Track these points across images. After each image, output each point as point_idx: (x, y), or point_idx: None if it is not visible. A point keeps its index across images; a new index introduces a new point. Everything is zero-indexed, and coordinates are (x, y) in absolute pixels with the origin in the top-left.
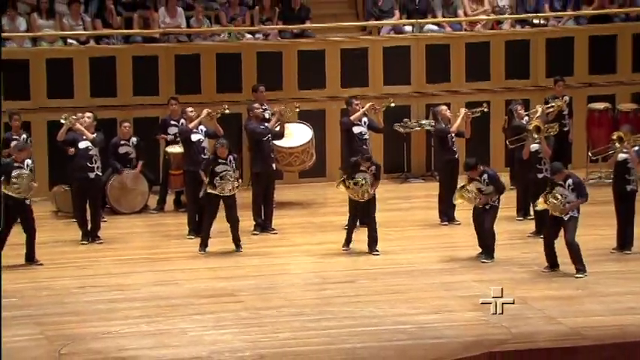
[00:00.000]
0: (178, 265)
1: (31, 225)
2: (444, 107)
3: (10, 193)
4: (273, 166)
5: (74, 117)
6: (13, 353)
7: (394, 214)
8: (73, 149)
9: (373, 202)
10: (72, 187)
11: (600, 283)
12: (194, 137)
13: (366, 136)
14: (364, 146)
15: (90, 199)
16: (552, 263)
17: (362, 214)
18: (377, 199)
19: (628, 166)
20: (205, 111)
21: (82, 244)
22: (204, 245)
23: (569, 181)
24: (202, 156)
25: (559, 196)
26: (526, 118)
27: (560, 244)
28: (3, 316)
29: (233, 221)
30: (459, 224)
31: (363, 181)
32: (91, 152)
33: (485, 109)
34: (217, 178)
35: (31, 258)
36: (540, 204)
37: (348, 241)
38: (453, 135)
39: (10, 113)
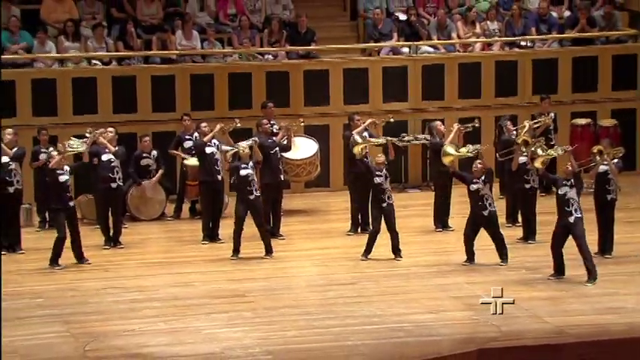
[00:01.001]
0: (193, 268)
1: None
2: (439, 123)
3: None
4: (281, 177)
5: (98, 132)
6: (41, 350)
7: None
8: (96, 160)
9: (393, 212)
10: (95, 196)
11: (583, 284)
12: (208, 150)
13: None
14: (365, 158)
15: (112, 208)
16: (559, 270)
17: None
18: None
19: (608, 177)
20: (218, 126)
21: (105, 248)
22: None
23: (570, 180)
24: (216, 167)
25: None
26: (514, 132)
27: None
28: (31, 315)
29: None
30: (453, 231)
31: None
32: (113, 164)
33: (477, 125)
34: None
35: (80, 256)
36: (537, 162)
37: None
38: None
39: (38, 128)
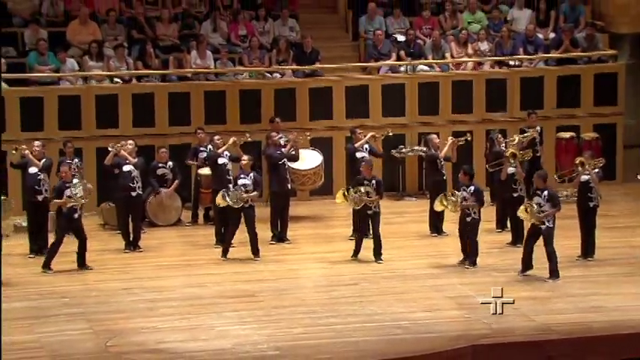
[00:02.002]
0: (207, 270)
1: (83, 235)
2: (434, 136)
3: (72, 204)
4: (288, 186)
5: (119, 145)
6: (66, 346)
7: (391, 227)
8: (117, 171)
9: (378, 217)
10: (117, 203)
11: (568, 285)
12: (220, 161)
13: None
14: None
15: (132, 214)
16: (526, 266)
17: (368, 227)
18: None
19: (590, 186)
20: (232, 139)
21: (125, 252)
22: (225, 252)
23: (545, 192)
24: (227, 177)
25: (535, 206)
26: (504, 145)
27: (538, 253)
28: (57, 313)
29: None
30: (447, 235)
31: (362, 190)
32: (133, 174)
33: (469, 139)
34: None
35: (82, 263)
36: (521, 212)
37: (357, 251)
38: (441, 159)
39: (64, 141)
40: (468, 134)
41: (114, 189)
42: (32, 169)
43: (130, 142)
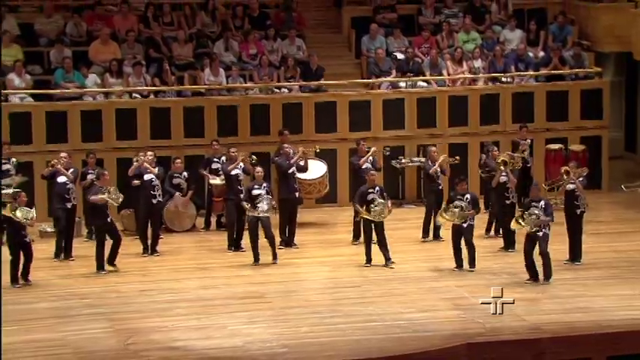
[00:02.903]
0: (219, 273)
1: (118, 236)
2: (434, 149)
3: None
4: (296, 194)
5: (142, 156)
6: (88, 343)
7: (391, 232)
8: (139, 182)
9: (382, 227)
10: (138, 210)
11: (556, 287)
12: (233, 172)
13: (372, 168)
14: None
15: (152, 220)
16: (533, 275)
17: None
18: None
19: (576, 194)
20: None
21: (144, 256)
22: (257, 258)
23: (542, 202)
24: (239, 187)
25: (531, 215)
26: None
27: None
28: (80, 313)
29: (270, 239)
30: (443, 241)
31: (377, 205)
32: (154, 183)
33: (457, 161)
34: (255, 201)
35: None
36: (513, 224)
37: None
38: (437, 170)
39: (87, 152)
40: (457, 158)
41: (135, 197)
42: (61, 179)
43: (150, 153)
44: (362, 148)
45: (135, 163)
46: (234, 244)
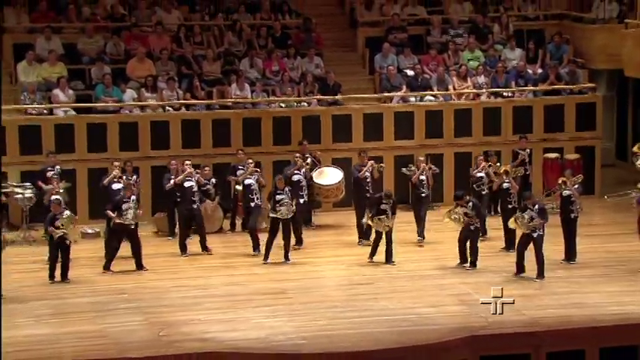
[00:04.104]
0: (244, 271)
1: (138, 243)
2: (422, 159)
3: (121, 222)
4: (300, 200)
5: (197, 171)
6: (125, 335)
7: (400, 234)
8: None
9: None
10: (180, 215)
11: (553, 285)
12: (246, 182)
13: (369, 180)
14: (367, 187)
15: (195, 223)
16: (520, 269)
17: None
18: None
19: (572, 200)
20: (370, 163)
21: (182, 256)
22: (267, 256)
23: (537, 206)
24: (250, 196)
25: (525, 217)
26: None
27: (528, 256)
28: (117, 307)
29: (287, 239)
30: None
31: (385, 217)
32: (194, 190)
33: (382, 168)
34: (277, 205)
35: (140, 266)
36: (511, 223)
37: (374, 253)
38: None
39: (124, 161)
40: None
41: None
42: (116, 186)
43: (187, 162)
44: (363, 158)
45: (185, 173)
46: (257, 246)
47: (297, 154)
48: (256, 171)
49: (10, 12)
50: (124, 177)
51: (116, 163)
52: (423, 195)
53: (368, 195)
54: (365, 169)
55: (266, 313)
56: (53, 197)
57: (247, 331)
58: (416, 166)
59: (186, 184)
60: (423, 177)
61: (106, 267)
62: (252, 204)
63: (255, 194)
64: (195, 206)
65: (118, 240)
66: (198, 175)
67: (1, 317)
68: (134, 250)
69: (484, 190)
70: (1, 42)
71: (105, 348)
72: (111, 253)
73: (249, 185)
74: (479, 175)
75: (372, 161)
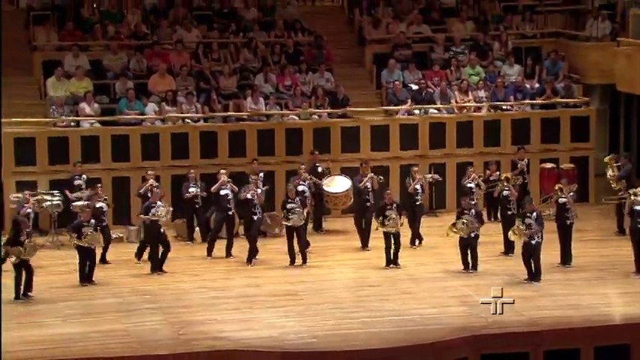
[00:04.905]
0: (259, 274)
1: (168, 246)
2: (415, 168)
3: (155, 219)
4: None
5: (223, 171)
6: (147, 333)
7: (406, 239)
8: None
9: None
10: (215, 220)
11: (550, 287)
12: (249, 196)
13: (369, 190)
14: (367, 196)
15: (227, 228)
16: (531, 275)
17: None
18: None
19: (567, 207)
20: (370, 175)
21: (213, 259)
22: (292, 261)
23: (535, 213)
24: (252, 209)
25: (523, 227)
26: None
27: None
28: (140, 307)
29: (302, 245)
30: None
31: (392, 219)
32: (229, 197)
33: (439, 179)
34: (289, 213)
35: (161, 267)
36: (511, 236)
37: (389, 260)
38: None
39: (147, 171)
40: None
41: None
42: (224, 191)
43: (222, 171)
44: (364, 169)
45: (220, 181)
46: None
47: (302, 166)
48: (229, 181)
49: (40, 31)
50: (155, 186)
51: (150, 172)
52: (417, 203)
53: (368, 205)
54: (365, 180)
55: (279, 314)
56: (98, 204)
57: (260, 331)
58: (411, 177)
59: (222, 192)
60: (417, 187)
61: (154, 269)
62: (255, 217)
63: (257, 208)
64: (230, 213)
65: (155, 242)
66: (231, 184)
67: (1, 317)
68: (163, 252)
69: (473, 200)
70: (32, 59)
71: (129, 346)
72: (154, 258)
73: (252, 200)
74: (469, 185)
75: (372, 174)
